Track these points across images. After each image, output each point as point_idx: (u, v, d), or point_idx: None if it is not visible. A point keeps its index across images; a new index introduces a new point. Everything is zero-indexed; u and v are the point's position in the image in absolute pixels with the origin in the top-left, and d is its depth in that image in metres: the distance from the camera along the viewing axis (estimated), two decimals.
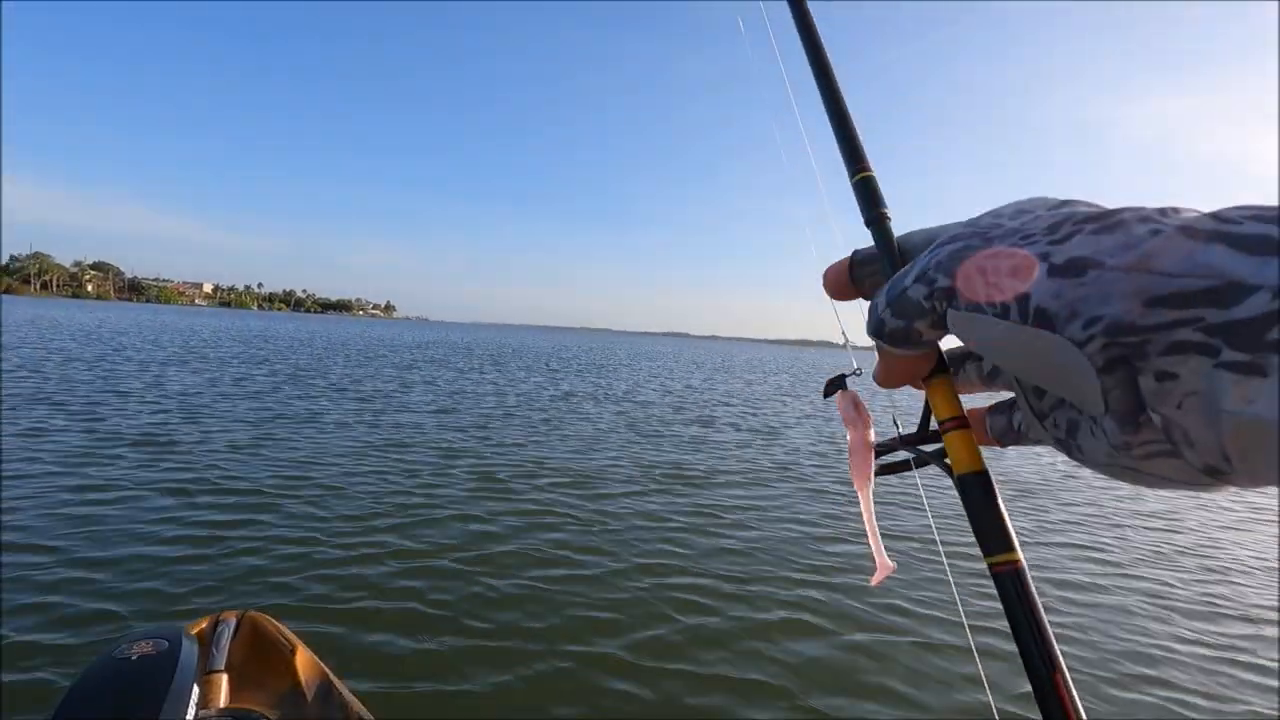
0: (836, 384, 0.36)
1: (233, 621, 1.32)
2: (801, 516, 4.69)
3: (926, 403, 0.31)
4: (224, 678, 1.16)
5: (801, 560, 3.75)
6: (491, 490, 4.86)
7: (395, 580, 3.12)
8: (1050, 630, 0.26)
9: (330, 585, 3.01)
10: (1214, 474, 0.19)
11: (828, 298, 0.33)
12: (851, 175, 0.35)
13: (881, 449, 0.34)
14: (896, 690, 2.47)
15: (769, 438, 8.64)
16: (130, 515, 3.76)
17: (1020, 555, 0.27)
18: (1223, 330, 0.17)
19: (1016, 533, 0.28)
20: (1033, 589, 0.27)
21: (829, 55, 0.38)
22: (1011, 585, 0.26)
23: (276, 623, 1.40)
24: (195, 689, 0.94)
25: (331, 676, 1.35)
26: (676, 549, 3.82)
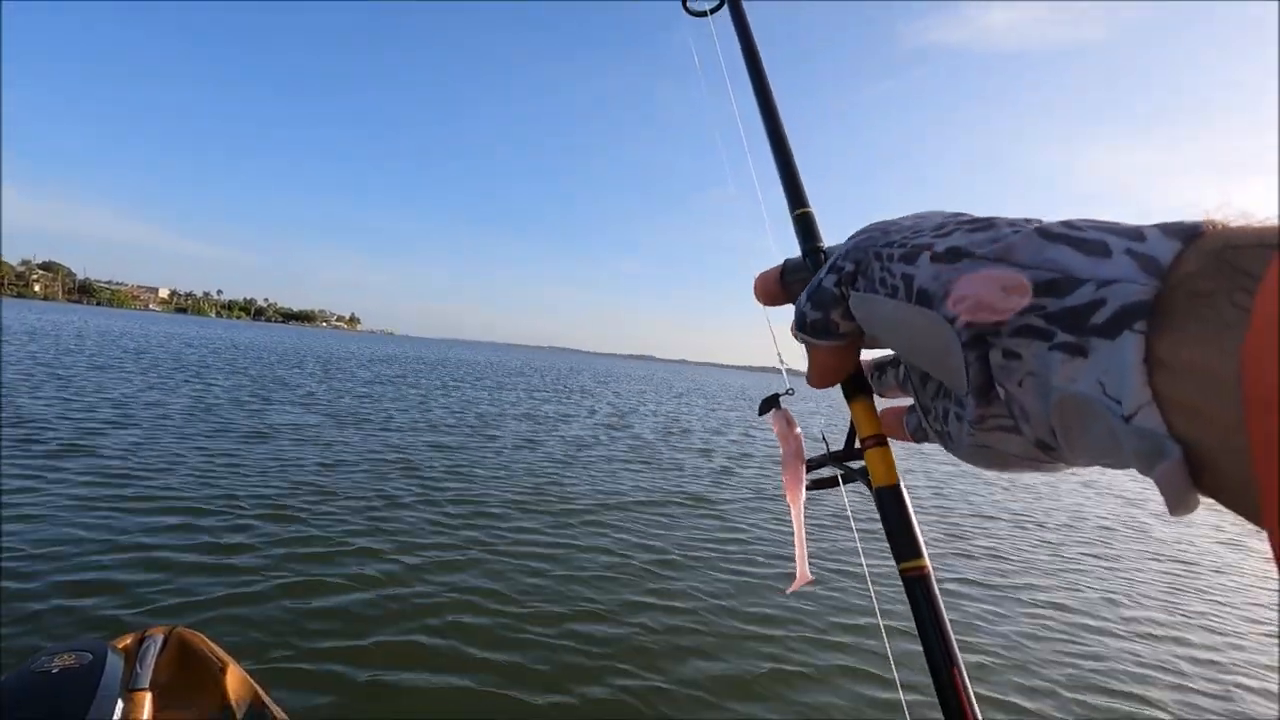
0: (771, 403, 0.38)
1: (160, 638, 1.27)
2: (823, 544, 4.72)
3: (852, 422, 0.34)
4: (148, 696, 1.11)
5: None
6: (479, 518, 4.75)
7: (349, 605, 3.04)
8: (951, 630, 0.28)
9: (273, 607, 2.91)
10: (1045, 449, 0.22)
11: (763, 308, 0.36)
12: (792, 210, 0.38)
13: (812, 464, 0.37)
14: (816, 688, 2.66)
15: (770, 466, 8.66)
16: (59, 531, 3.58)
17: (927, 562, 0.30)
18: (1057, 317, 0.19)
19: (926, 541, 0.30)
20: (937, 592, 0.29)
21: (779, 106, 0.41)
22: (919, 589, 0.29)
23: (207, 640, 1.35)
24: (120, 704, 0.89)
25: (264, 696, 1.30)
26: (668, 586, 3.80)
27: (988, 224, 0.23)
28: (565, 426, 10.86)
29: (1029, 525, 6.50)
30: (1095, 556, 5.51)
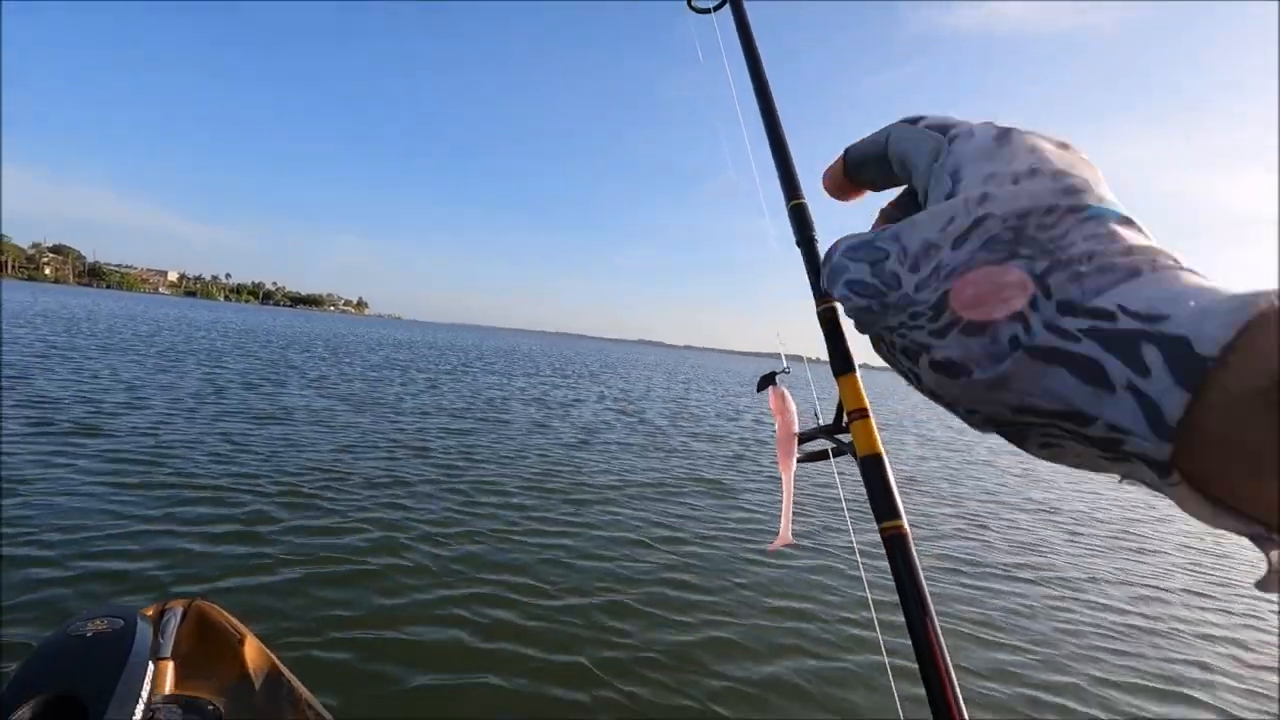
0: (768, 380, 0.41)
1: (179, 610, 1.30)
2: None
3: (840, 399, 0.37)
4: (170, 665, 1.15)
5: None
6: (491, 496, 4.80)
7: (364, 578, 3.10)
8: (924, 583, 0.31)
9: (290, 582, 2.98)
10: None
11: (771, 296, 0.38)
12: (788, 202, 0.40)
13: (804, 436, 0.39)
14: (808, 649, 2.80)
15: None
16: (75, 506, 3.67)
17: (905, 523, 0.33)
18: (1085, 438, 0.19)
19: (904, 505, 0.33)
20: (913, 549, 0.32)
21: (777, 103, 0.44)
22: (897, 546, 0.32)
23: (224, 612, 1.39)
24: (151, 666, 0.94)
25: (281, 666, 1.34)
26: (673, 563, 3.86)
27: (984, 323, 0.21)
28: (575, 411, 10.91)
29: (1043, 511, 6.53)
30: (1114, 539, 5.54)
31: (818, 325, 0.34)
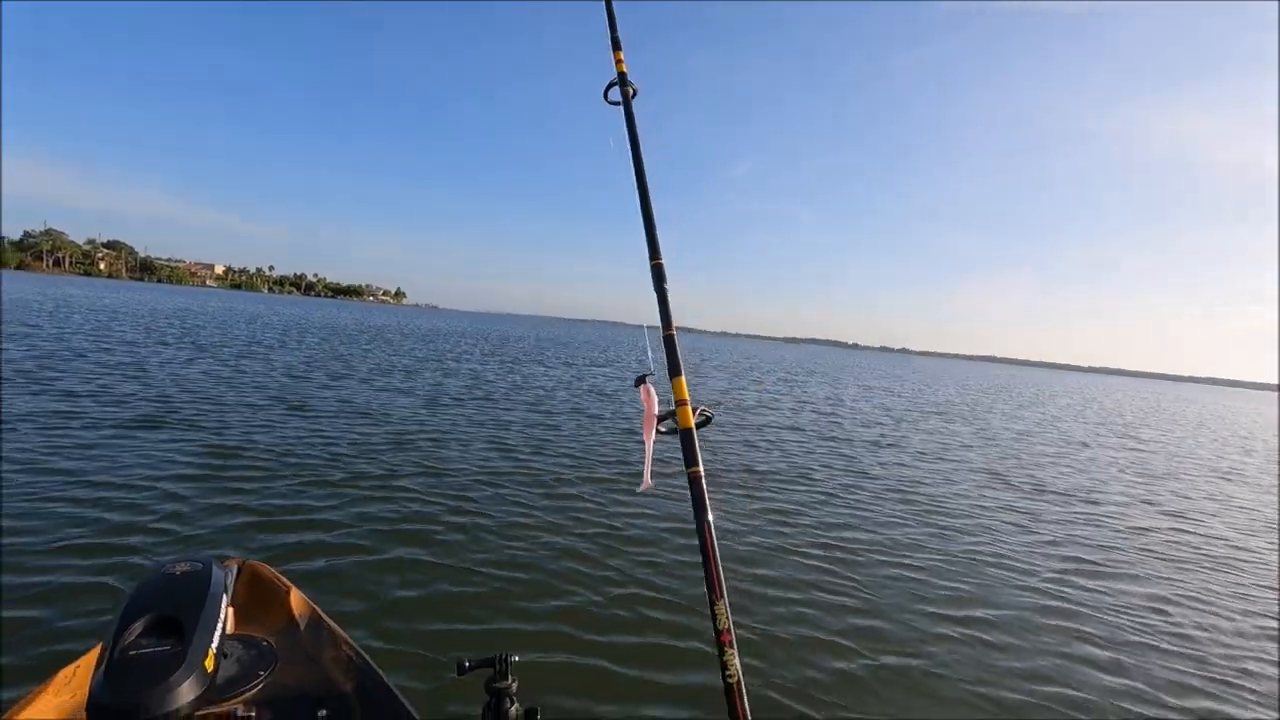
0: (641, 380, 0.60)
1: (234, 567, 1.55)
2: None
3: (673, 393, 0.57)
4: (231, 610, 1.39)
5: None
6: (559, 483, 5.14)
7: (418, 555, 3.43)
8: (709, 511, 0.50)
9: (349, 561, 3.30)
10: None
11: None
12: (650, 260, 0.58)
13: (661, 417, 0.59)
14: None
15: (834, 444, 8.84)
16: (142, 478, 4.04)
17: (701, 468, 0.52)
18: None
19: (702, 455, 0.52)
20: (704, 487, 0.51)
21: (649, 180, 0.63)
22: (694, 485, 0.51)
23: (272, 569, 1.64)
24: (225, 598, 1.18)
25: (321, 613, 1.58)
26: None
27: None
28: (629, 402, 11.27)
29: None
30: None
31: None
